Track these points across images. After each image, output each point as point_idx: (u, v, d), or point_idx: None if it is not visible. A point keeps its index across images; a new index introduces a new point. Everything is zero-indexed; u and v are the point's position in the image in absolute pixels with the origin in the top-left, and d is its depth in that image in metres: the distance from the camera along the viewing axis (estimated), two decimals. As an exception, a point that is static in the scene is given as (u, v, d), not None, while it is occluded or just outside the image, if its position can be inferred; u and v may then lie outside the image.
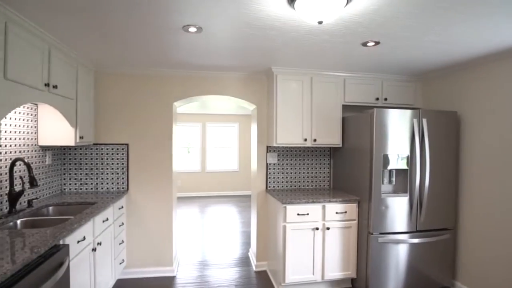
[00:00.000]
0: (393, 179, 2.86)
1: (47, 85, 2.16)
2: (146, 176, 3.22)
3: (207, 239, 4.57)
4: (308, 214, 2.82)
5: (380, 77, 3.31)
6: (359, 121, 2.95)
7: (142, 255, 3.22)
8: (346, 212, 2.89)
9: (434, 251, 2.84)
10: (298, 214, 2.80)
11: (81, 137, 2.74)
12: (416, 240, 2.78)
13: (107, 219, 2.55)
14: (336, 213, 2.87)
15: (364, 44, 2.30)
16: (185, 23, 1.93)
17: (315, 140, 3.15)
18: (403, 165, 2.78)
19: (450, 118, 2.86)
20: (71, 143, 2.64)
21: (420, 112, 2.79)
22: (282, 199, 2.82)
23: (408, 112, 2.76)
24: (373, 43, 2.28)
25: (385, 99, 3.34)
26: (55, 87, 2.25)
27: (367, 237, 2.78)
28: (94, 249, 2.23)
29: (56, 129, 2.63)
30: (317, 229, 2.83)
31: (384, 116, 2.71)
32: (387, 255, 2.75)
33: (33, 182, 2.11)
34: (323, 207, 2.86)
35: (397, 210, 2.77)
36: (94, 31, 2.11)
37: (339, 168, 3.39)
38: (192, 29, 2.02)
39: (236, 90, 3.38)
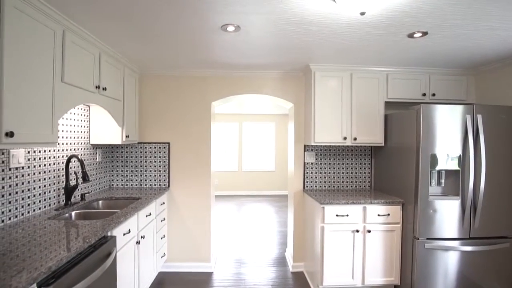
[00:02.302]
0: (442, 180, 2.65)
1: (97, 87, 2.32)
2: (186, 173, 3.33)
3: (243, 237, 4.61)
4: (347, 215, 2.71)
5: (427, 71, 3.09)
6: (404, 118, 2.77)
7: (182, 250, 3.33)
8: (389, 214, 2.74)
9: (490, 261, 2.58)
10: (337, 215, 2.71)
11: (127, 136, 2.90)
12: (468, 248, 2.55)
13: (150, 214, 2.68)
14: (378, 215, 2.73)
15: (411, 36, 2.16)
16: (224, 22, 1.96)
17: (355, 139, 3.03)
18: (453, 165, 2.56)
19: (510, 114, 2.57)
20: (118, 141, 2.81)
21: (475, 107, 2.55)
22: (320, 199, 2.75)
23: (460, 108, 2.54)
24: (420, 34, 2.13)
25: (433, 95, 3.11)
26: (104, 89, 2.41)
27: (412, 242, 2.61)
28: (138, 242, 2.35)
29: (105, 128, 2.82)
30: (357, 231, 2.72)
31: (432, 112, 2.52)
32: (435, 262, 2.55)
33: (85, 177, 2.28)
34: (364, 209, 2.74)
35: (447, 214, 2.56)
36: (139, 36, 2.22)
37: (381, 168, 3.22)
38: (231, 28, 2.04)
39: (273, 89, 3.37)
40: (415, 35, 2.15)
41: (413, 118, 2.62)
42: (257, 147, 8.38)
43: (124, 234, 2.09)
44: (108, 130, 2.82)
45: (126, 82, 2.91)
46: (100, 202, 2.69)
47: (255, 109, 7.45)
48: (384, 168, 3.16)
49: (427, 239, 2.56)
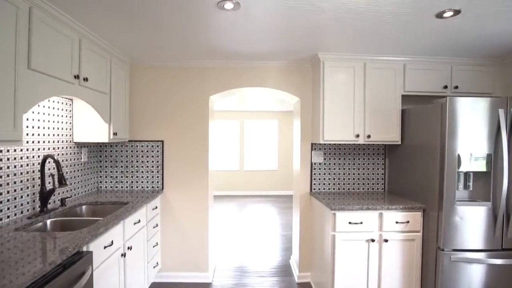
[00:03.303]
0: (470, 184, 2.33)
1: (76, 77, 2.03)
2: (181, 174, 3.03)
3: (244, 241, 4.32)
4: (361, 223, 2.41)
5: (448, 61, 2.77)
6: (425, 113, 2.46)
7: (177, 259, 3.04)
8: (408, 222, 2.43)
9: (525, 274, 2.27)
10: (349, 223, 2.40)
11: (115, 134, 2.61)
12: (500, 261, 2.23)
13: (139, 221, 2.38)
14: (396, 222, 2.42)
15: (440, 15, 1.84)
16: (219, -2, 1.65)
17: (368, 137, 2.72)
18: (482, 166, 2.25)
19: (548, 108, 2.25)
20: (105, 139, 2.52)
21: (508, 100, 2.23)
22: (330, 204, 2.44)
23: (491, 101, 2.22)
24: (452, 13, 1.81)
25: (456, 87, 2.79)
26: (85, 79, 2.12)
27: (435, 253, 2.30)
28: (123, 254, 2.06)
29: (90, 125, 2.52)
30: (373, 240, 2.41)
31: (459, 106, 2.21)
32: (461, 276, 2.24)
33: (62, 181, 1.99)
34: (380, 215, 2.43)
35: (476, 223, 2.24)
36: (125, 18, 1.92)
37: (397, 169, 2.91)
38: (229, 5, 1.73)
39: (277, 82, 3.05)
40: (445, 15, 1.83)
41: (437, 113, 2.31)
42: (259, 145, 8.07)
43: (105, 247, 1.80)
44: (93, 127, 2.53)
45: (114, 73, 2.61)
46: (84, 207, 2.40)
47: (257, 105, 7.14)
48: (400, 169, 2.85)
49: (453, 250, 2.25)
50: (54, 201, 2.31)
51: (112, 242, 1.88)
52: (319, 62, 2.74)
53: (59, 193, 2.37)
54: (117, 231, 1.98)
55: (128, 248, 2.15)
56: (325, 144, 3.06)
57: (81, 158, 2.71)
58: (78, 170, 2.66)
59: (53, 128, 2.31)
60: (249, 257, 3.73)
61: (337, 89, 2.71)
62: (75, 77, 2.01)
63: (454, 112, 2.21)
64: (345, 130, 2.73)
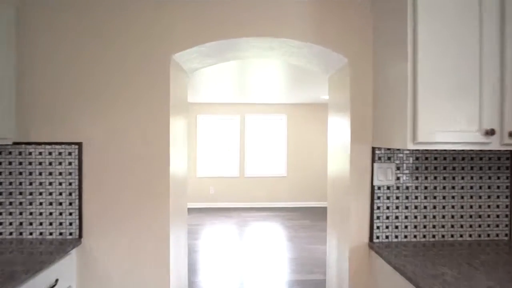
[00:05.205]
0: None
1: None
2: (118, 205, 1.55)
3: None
4: None
5: None
6: None
7: None
8: None
9: None
10: None
11: None
12: None
13: None
14: None
15: None
16: None
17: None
18: None
19: None
20: None
21: None
22: (419, 279, 0.95)
23: None
24: None
25: None
26: None
27: None
28: None
29: None
30: None
31: None
32: None
33: None
34: None
35: None
36: None
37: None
38: None
39: (303, 28, 1.57)
40: None
41: None
42: (264, 145, 6.59)
43: None
44: None
45: None
46: None
47: (261, 96, 5.65)
48: None
49: None
50: None
51: None
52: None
53: None
54: None
55: None
56: (401, 151, 1.57)
57: None
58: None
59: None
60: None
61: (445, 34, 1.21)
62: None
63: None
64: (458, 121, 1.23)
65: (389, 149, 1.56)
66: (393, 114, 1.35)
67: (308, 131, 6.55)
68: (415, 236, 1.59)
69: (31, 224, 1.55)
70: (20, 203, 1.55)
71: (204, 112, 6.44)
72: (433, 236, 1.60)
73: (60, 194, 1.55)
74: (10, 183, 1.54)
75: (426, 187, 1.58)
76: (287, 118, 6.56)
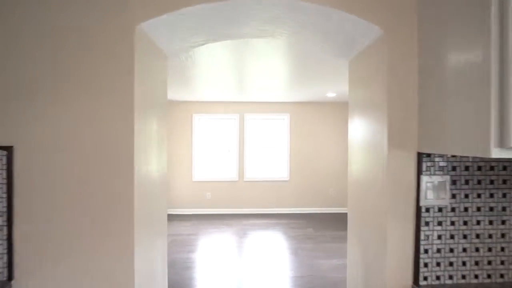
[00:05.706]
0: None
1: None
2: (62, 225, 1.12)
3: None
4: None
5: None
6: None
7: None
8: None
9: None
10: None
11: None
12: None
13: None
14: None
15: None
16: None
17: None
18: None
19: None
20: None
21: None
22: None
23: None
24: None
25: None
26: None
27: None
28: None
29: None
30: None
31: None
32: None
33: None
34: None
35: None
36: None
37: None
38: None
39: (323, -11, 1.13)
40: None
41: None
42: (265, 147, 6.15)
43: None
44: None
45: None
46: None
47: (262, 94, 5.21)
48: None
49: None
50: None
51: None
52: None
53: None
54: None
55: None
56: (458, 158, 1.13)
57: None
58: None
59: None
60: None
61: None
62: None
63: None
64: None
65: (440, 155, 1.12)
66: (461, 111, 0.91)
67: (312, 132, 6.11)
68: (476, 277, 1.15)
69: None
70: None
71: (200, 111, 6.01)
72: (501, 276, 1.16)
73: (-17, 218, 1.12)
74: None
75: (491, 208, 1.15)
76: (290, 117, 6.11)
